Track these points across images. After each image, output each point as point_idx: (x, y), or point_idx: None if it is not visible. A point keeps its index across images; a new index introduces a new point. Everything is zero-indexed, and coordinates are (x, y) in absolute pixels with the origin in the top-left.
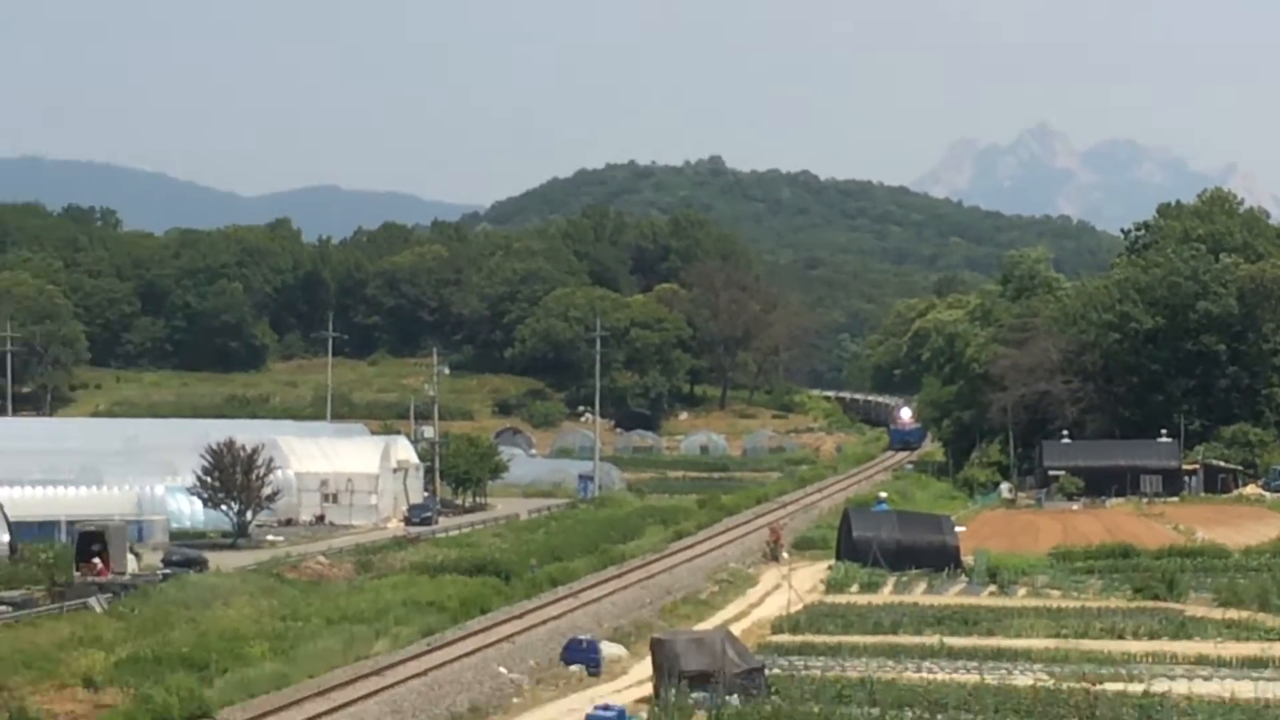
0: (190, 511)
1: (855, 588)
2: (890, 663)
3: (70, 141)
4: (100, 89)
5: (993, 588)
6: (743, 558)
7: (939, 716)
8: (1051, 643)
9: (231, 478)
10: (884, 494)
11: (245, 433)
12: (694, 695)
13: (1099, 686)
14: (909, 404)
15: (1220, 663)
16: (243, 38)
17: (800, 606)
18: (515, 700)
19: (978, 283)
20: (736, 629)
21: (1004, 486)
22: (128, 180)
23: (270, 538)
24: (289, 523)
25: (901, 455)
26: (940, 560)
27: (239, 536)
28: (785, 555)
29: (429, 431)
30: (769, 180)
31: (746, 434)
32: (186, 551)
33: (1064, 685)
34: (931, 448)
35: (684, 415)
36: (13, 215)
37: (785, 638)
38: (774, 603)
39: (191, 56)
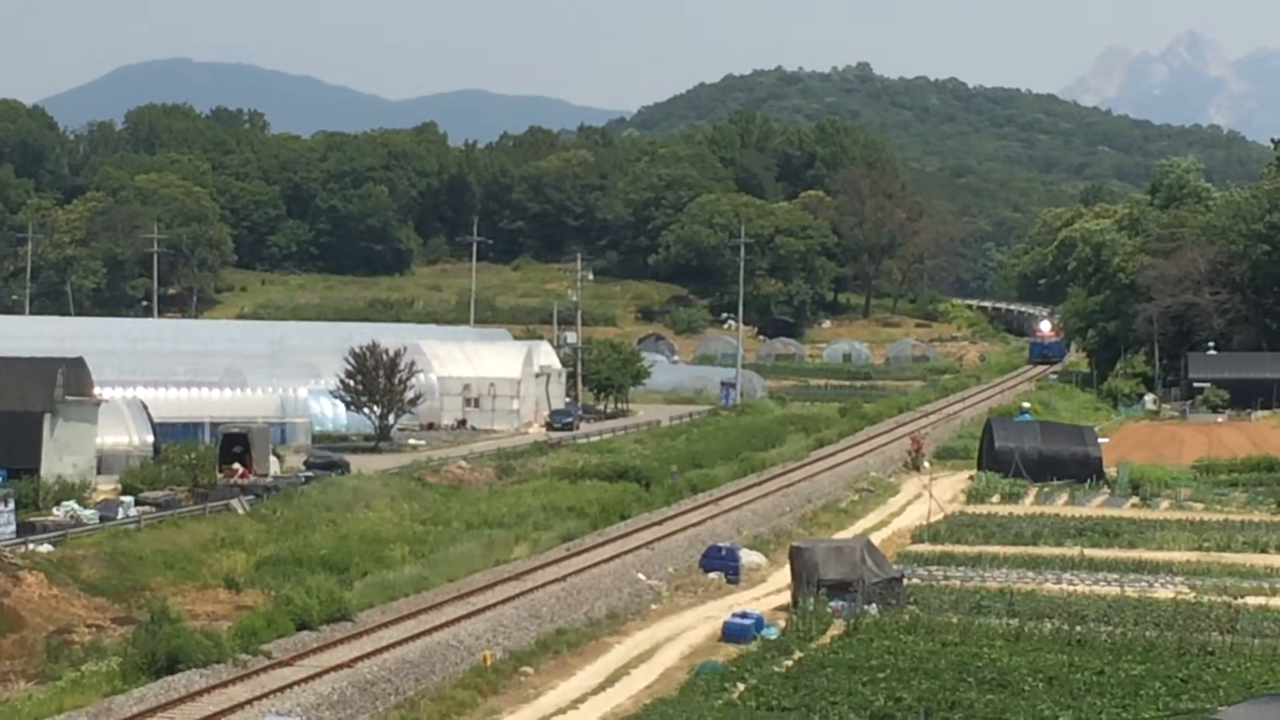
0: (333, 414)
1: (996, 498)
2: (1030, 574)
3: (219, 44)
4: None
5: (1135, 500)
6: (884, 467)
7: (1078, 628)
8: (1193, 555)
9: (374, 381)
10: (1027, 404)
11: (389, 336)
12: (832, 604)
13: (1240, 600)
14: (1050, 316)
15: None
16: None
17: (941, 516)
18: (654, 606)
19: (1125, 192)
20: (876, 538)
21: (1148, 398)
22: (275, 83)
23: (412, 441)
24: (431, 426)
25: (1042, 369)
26: (1083, 471)
27: (381, 440)
28: (926, 465)
29: (572, 337)
30: (916, 87)
31: (890, 342)
32: (328, 454)
33: (1205, 598)
34: (1075, 358)
35: (827, 323)
36: (161, 117)
37: (925, 547)
38: (914, 512)
39: None
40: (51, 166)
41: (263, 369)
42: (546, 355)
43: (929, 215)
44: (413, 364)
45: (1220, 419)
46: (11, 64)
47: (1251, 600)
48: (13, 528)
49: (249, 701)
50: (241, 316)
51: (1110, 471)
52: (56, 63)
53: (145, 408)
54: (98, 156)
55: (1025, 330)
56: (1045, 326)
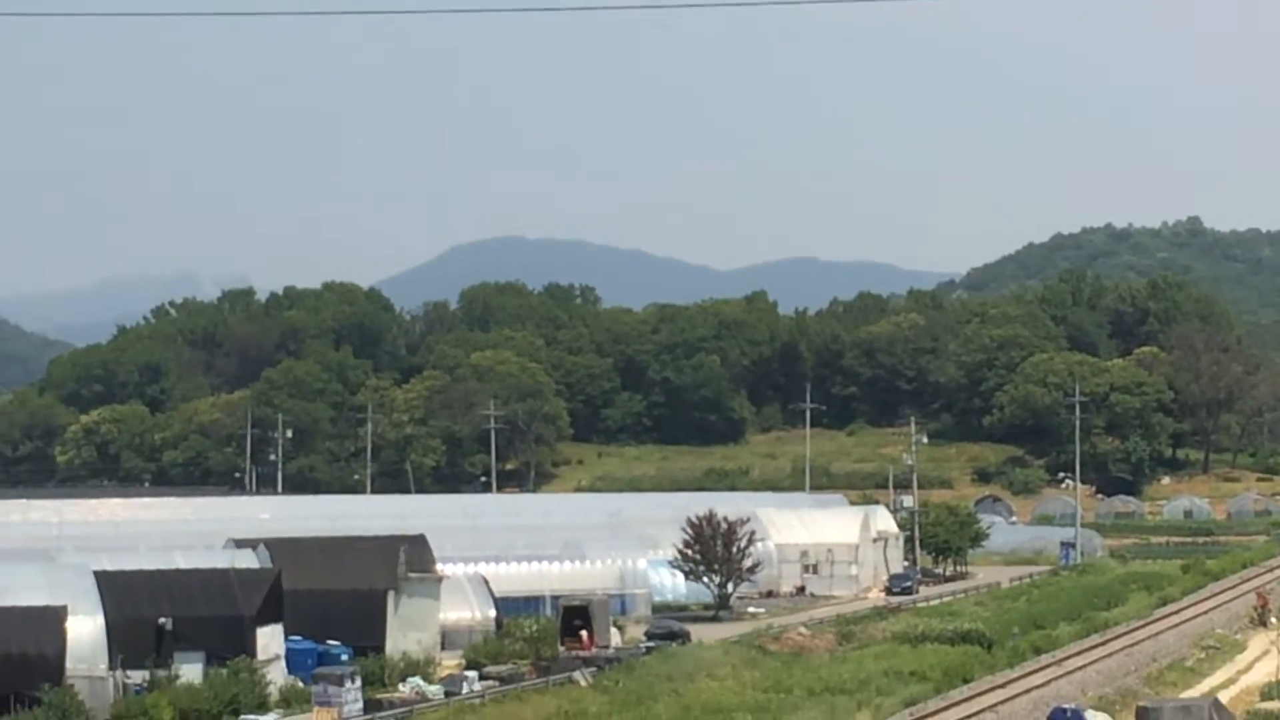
0: (671, 584)
1: None
2: None
3: (549, 220)
4: (576, 168)
5: None
6: (1229, 624)
7: None
8: None
9: (712, 550)
10: None
11: (725, 505)
12: None
13: None
14: None
15: None
16: (712, 114)
17: None
18: None
19: None
20: (1224, 696)
21: None
22: (605, 257)
23: (751, 609)
24: (769, 594)
25: None
26: None
27: (720, 608)
28: (1274, 620)
29: (908, 501)
30: (1248, 239)
31: (1230, 497)
32: (669, 624)
33: None
34: None
35: (1166, 479)
36: (495, 294)
37: (1275, 705)
38: (1262, 669)
39: (662, 134)
40: (389, 347)
41: (601, 541)
42: (883, 520)
43: (1266, 368)
44: (751, 533)
45: None
46: (349, 248)
47: None
48: (360, 705)
49: None
50: (579, 489)
51: None
52: (392, 245)
53: (486, 582)
54: (434, 336)
55: None
56: None
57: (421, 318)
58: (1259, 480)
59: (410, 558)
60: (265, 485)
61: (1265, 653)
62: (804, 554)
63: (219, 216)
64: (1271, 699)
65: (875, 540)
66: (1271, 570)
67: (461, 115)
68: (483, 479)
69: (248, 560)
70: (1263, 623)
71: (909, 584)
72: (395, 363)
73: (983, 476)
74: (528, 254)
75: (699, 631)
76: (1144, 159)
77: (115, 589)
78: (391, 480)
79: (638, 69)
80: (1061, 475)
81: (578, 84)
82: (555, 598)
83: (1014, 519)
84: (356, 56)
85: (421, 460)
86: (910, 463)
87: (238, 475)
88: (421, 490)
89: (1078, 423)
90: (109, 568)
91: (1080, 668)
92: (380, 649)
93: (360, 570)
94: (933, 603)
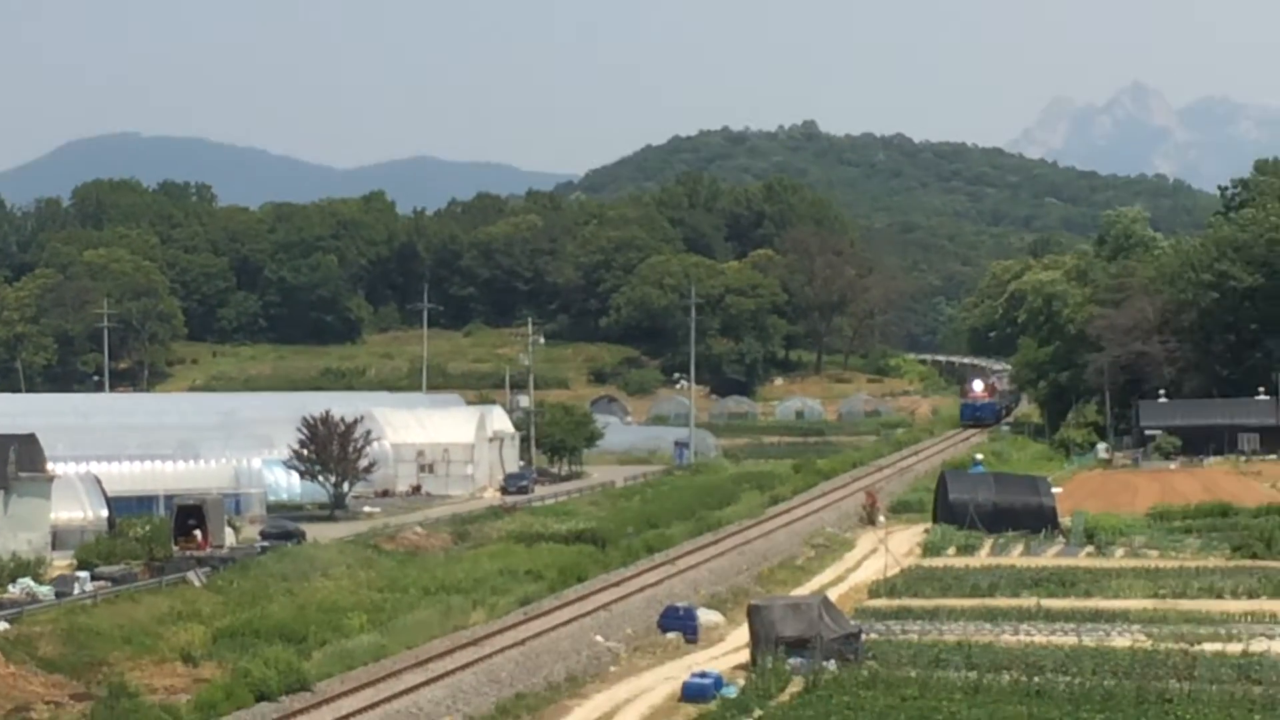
0: (287, 484)
1: (952, 550)
2: (987, 625)
3: (165, 117)
4: (193, 63)
5: (1090, 549)
6: (839, 522)
7: (1036, 679)
8: (1149, 603)
9: (328, 450)
10: (980, 456)
11: (341, 405)
12: (791, 661)
13: (1197, 647)
14: (983, 375)
15: None
16: (335, 10)
17: (897, 570)
18: (612, 669)
19: (1074, 243)
20: (833, 594)
21: (1101, 447)
22: (222, 155)
23: (367, 509)
24: (386, 494)
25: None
26: (1037, 522)
27: (336, 508)
28: (882, 519)
29: (524, 401)
30: (863, 144)
31: (842, 398)
32: (284, 524)
33: (1162, 646)
34: (1028, 409)
35: (779, 381)
36: (109, 191)
37: (882, 602)
38: (871, 567)
39: (283, 30)
40: None
41: (216, 441)
42: (500, 420)
43: (878, 271)
44: (367, 432)
45: (1173, 466)
46: None
47: (1208, 646)
48: None
49: None
50: (193, 389)
51: (1065, 521)
52: (2, 140)
53: (99, 482)
54: (46, 233)
55: None
56: (978, 386)
57: (33, 214)
58: (869, 381)
59: (20, 457)
60: None
61: (873, 551)
62: (420, 453)
63: None
64: (879, 595)
65: (491, 440)
66: (880, 470)
67: (69, 7)
68: (95, 378)
69: None
70: (871, 521)
71: (525, 483)
72: (6, 260)
73: (599, 377)
74: (143, 151)
75: (314, 531)
76: (761, 63)
77: None
78: (1, 378)
79: None
80: (677, 376)
81: None
82: (169, 497)
83: (629, 419)
84: None
85: (33, 359)
86: (527, 363)
87: None
88: (32, 389)
89: (694, 324)
90: None
91: (693, 566)
92: None
93: None
94: (548, 502)
